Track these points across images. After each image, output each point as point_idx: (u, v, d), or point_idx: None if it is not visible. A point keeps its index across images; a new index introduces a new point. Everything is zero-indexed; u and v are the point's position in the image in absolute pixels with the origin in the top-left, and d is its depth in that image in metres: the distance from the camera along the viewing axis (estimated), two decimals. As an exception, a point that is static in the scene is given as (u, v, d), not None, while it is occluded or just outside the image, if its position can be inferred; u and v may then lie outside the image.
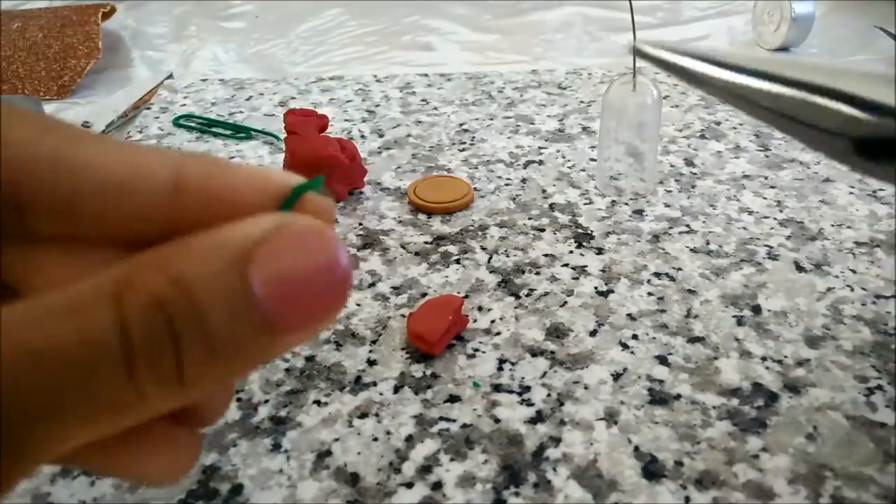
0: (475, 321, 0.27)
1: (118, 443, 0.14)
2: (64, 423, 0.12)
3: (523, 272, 0.30)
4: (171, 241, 0.12)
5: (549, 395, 0.24)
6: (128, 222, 0.14)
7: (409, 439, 0.22)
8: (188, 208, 0.14)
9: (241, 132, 0.43)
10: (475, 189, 0.37)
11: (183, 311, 0.11)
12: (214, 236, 0.12)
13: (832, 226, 0.33)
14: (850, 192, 0.36)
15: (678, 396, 0.24)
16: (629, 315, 0.27)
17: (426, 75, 0.53)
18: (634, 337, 0.26)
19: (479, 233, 0.33)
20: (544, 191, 0.37)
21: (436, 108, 0.47)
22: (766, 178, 0.38)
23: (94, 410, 0.12)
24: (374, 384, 0.24)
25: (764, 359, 0.25)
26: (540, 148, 0.42)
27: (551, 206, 0.35)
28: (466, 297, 0.29)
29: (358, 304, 0.28)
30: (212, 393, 0.15)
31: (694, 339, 0.26)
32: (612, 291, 0.29)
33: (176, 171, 0.14)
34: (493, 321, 0.27)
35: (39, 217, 0.13)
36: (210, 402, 0.15)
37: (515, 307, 0.28)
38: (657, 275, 0.30)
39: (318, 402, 0.24)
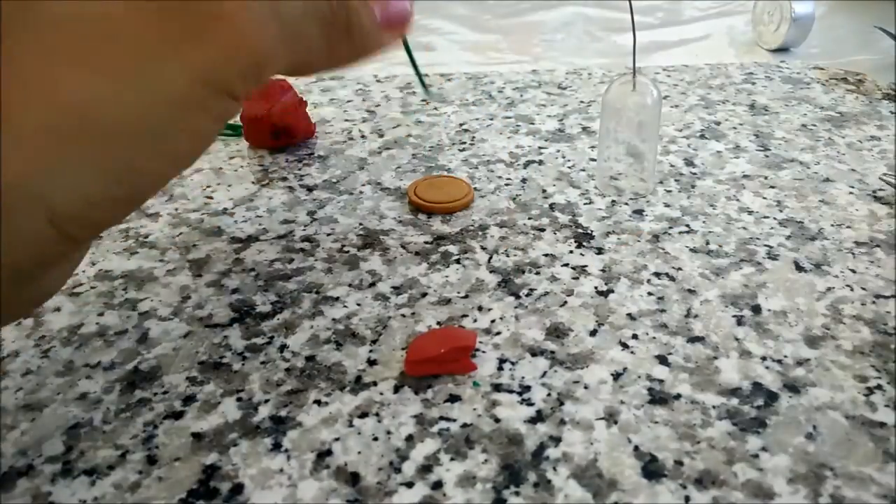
0: (475, 321, 0.27)
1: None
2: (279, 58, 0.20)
3: (523, 272, 0.30)
4: None
5: (549, 394, 0.24)
6: None
7: (410, 439, 0.22)
8: None
9: (237, 130, 0.43)
10: (475, 189, 0.37)
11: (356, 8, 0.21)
12: None
13: (832, 226, 0.33)
14: (850, 192, 0.36)
15: (678, 396, 0.24)
16: (629, 315, 0.27)
17: (426, 75, 0.53)
18: (634, 337, 0.26)
19: (480, 233, 0.33)
20: (544, 191, 0.37)
21: (436, 108, 0.47)
22: (766, 177, 0.38)
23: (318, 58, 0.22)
24: (375, 384, 0.24)
25: (764, 358, 0.25)
26: (540, 148, 0.42)
27: (551, 206, 0.35)
28: (466, 296, 0.29)
29: (358, 304, 0.28)
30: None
31: (694, 339, 0.26)
32: (612, 291, 0.29)
33: None
34: (493, 321, 0.27)
35: None
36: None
37: (515, 307, 0.28)
38: (657, 275, 0.30)
39: (318, 402, 0.24)
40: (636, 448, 0.22)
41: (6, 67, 0.16)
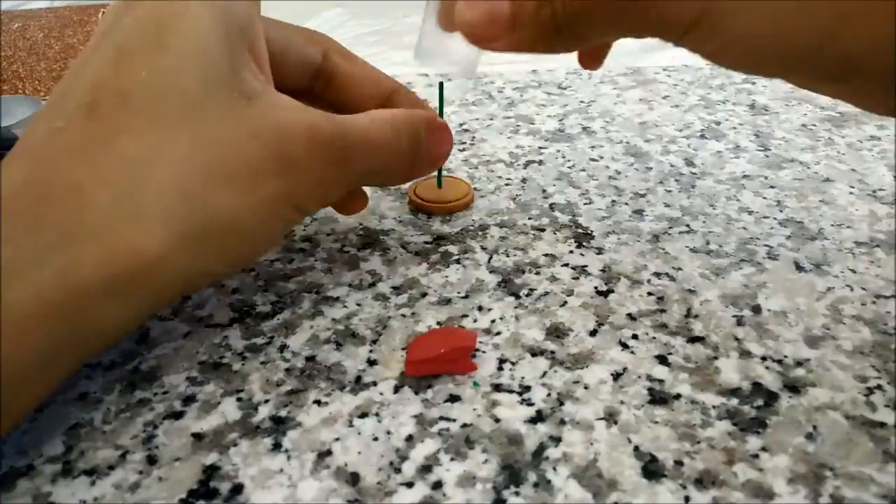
0: (475, 321, 0.27)
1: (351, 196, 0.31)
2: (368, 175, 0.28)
3: (523, 272, 0.30)
4: (406, 110, 0.29)
5: (549, 394, 0.24)
6: (292, 75, 0.30)
7: (410, 439, 0.22)
8: (330, 73, 0.31)
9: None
10: (475, 189, 0.37)
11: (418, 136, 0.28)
12: (414, 112, 0.29)
13: (832, 226, 0.33)
14: (850, 192, 0.36)
15: (678, 396, 0.24)
16: (629, 315, 0.27)
17: (426, 75, 0.53)
18: (634, 337, 0.26)
19: (479, 233, 0.33)
20: (544, 191, 0.37)
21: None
22: (766, 177, 0.38)
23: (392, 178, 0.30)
24: (375, 384, 0.24)
25: (764, 359, 0.25)
26: (540, 148, 0.42)
27: (551, 206, 0.35)
28: (466, 296, 0.29)
29: (358, 304, 0.28)
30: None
31: (694, 339, 0.26)
32: (612, 291, 0.29)
33: (324, 49, 0.31)
34: (493, 321, 0.27)
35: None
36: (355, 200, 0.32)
37: (515, 307, 0.28)
38: (657, 275, 0.30)
39: (318, 402, 0.24)
40: (636, 448, 0.22)
41: (182, 180, 0.22)
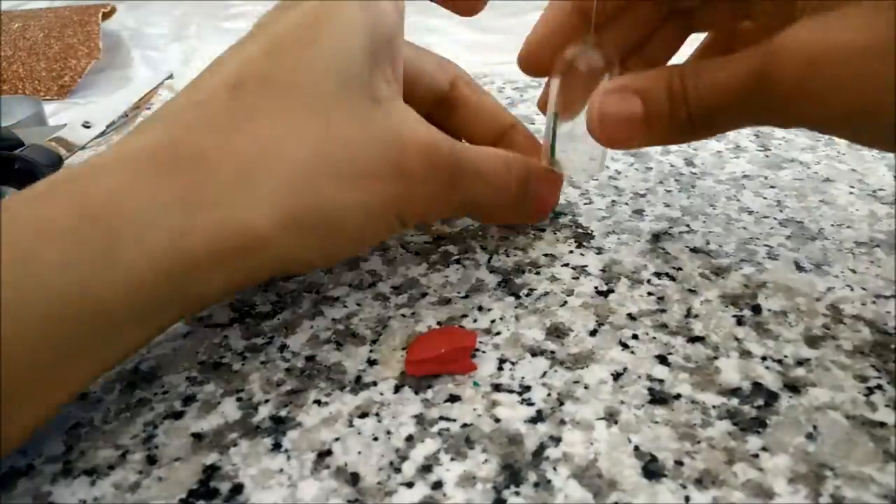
0: (475, 321, 0.27)
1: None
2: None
3: (523, 272, 0.30)
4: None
5: (549, 394, 0.24)
6: (419, 98, 0.29)
7: (410, 439, 0.22)
8: (454, 103, 0.32)
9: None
10: (475, 189, 0.37)
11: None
12: (531, 159, 0.29)
13: (832, 226, 0.33)
14: (850, 192, 0.36)
15: (678, 396, 0.24)
16: (629, 315, 0.27)
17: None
18: (634, 337, 0.26)
19: (479, 233, 0.33)
20: (544, 191, 0.37)
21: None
22: (766, 177, 0.38)
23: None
24: (375, 384, 0.24)
25: (764, 358, 0.25)
26: (540, 148, 0.42)
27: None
28: (466, 296, 0.29)
29: (358, 304, 0.28)
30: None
31: (694, 339, 0.26)
32: (612, 291, 0.29)
33: (452, 77, 0.32)
34: (493, 321, 0.27)
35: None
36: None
37: (515, 307, 0.28)
38: (657, 274, 0.30)
39: (318, 402, 0.24)
40: (636, 448, 0.22)
41: (302, 166, 0.23)
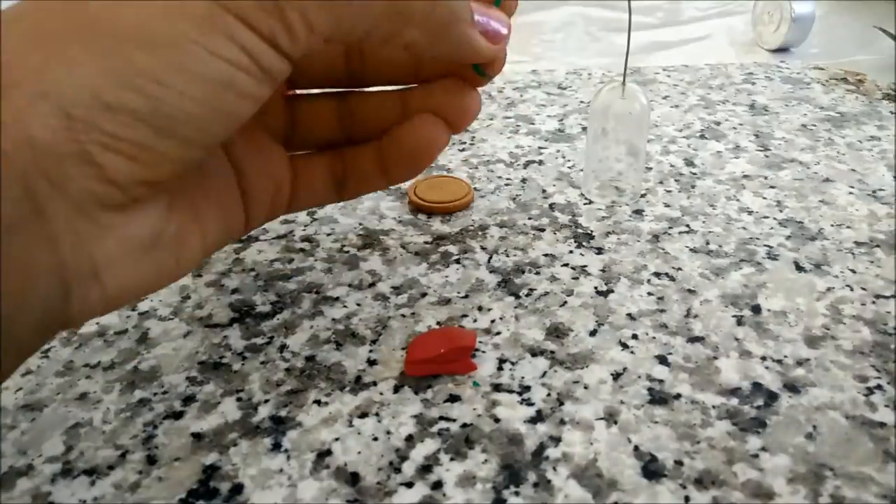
0: (475, 321, 0.27)
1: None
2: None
3: (523, 272, 0.30)
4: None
5: (549, 394, 0.24)
6: None
7: (410, 439, 0.22)
8: None
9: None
10: (475, 189, 0.37)
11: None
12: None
13: (832, 226, 0.33)
14: (850, 192, 0.36)
15: (678, 396, 0.24)
16: (629, 315, 0.27)
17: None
18: (634, 337, 0.26)
19: (479, 233, 0.33)
20: (544, 191, 0.37)
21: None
22: (765, 178, 0.38)
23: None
24: (374, 384, 0.24)
25: (764, 358, 0.25)
26: (540, 148, 0.42)
27: (551, 206, 0.35)
28: (466, 296, 0.29)
29: (358, 304, 0.28)
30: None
31: (694, 339, 0.26)
32: (612, 291, 0.29)
33: None
34: (493, 321, 0.27)
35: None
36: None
37: (515, 307, 0.28)
38: (657, 274, 0.30)
39: (318, 402, 0.24)
40: (636, 448, 0.22)
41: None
